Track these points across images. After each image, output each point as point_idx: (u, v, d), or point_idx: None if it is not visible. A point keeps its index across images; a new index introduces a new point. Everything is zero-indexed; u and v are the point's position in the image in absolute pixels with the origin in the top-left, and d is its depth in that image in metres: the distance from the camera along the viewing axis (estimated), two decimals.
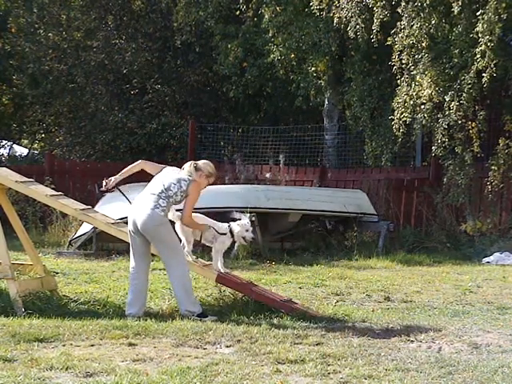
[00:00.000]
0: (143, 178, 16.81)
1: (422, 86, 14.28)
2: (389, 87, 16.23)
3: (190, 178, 7.94)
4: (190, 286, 7.92)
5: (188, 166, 8.03)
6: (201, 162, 8.10)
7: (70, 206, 8.46)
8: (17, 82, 22.79)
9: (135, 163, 8.26)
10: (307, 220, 14.95)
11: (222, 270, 8.23)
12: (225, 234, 8.18)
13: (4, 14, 22.09)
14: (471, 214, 15.12)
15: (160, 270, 11.03)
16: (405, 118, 14.61)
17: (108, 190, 8.35)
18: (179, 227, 8.15)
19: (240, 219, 8.26)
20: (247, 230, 8.21)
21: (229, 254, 12.55)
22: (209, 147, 19.77)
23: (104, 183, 8.26)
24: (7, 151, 24.22)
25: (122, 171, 8.23)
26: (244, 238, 8.24)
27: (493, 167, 14.47)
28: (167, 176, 8.00)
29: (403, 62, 14.66)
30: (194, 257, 8.34)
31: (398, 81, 14.87)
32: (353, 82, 17.10)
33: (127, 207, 8.25)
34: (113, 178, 8.23)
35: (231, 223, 8.26)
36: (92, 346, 6.61)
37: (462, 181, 14.69)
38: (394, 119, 14.77)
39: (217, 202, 13.29)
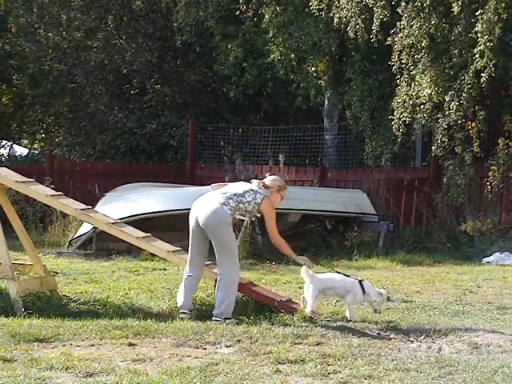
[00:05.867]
0: (143, 178, 16.99)
1: (421, 85, 14.27)
2: (389, 87, 16.22)
3: (266, 194, 7.93)
4: (233, 289, 7.82)
5: (256, 183, 8.01)
6: (267, 180, 8.07)
7: (70, 205, 8.46)
8: (17, 82, 22.79)
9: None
10: (307, 220, 14.95)
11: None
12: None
13: (4, 14, 22.07)
14: (471, 214, 15.10)
15: (160, 269, 11.05)
16: (404, 118, 14.61)
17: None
18: (307, 286, 7.90)
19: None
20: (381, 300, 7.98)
21: None
22: (209, 147, 19.76)
23: None
24: (7, 151, 24.25)
25: None
26: (372, 303, 7.98)
27: (493, 167, 14.47)
28: (242, 185, 8.04)
29: (403, 61, 14.65)
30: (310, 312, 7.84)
31: (398, 81, 14.87)
32: (353, 82, 17.10)
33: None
34: None
35: (364, 281, 8.04)
36: (92, 345, 6.61)
37: (462, 181, 14.68)
38: (393, 119, 14.78)
39: None
